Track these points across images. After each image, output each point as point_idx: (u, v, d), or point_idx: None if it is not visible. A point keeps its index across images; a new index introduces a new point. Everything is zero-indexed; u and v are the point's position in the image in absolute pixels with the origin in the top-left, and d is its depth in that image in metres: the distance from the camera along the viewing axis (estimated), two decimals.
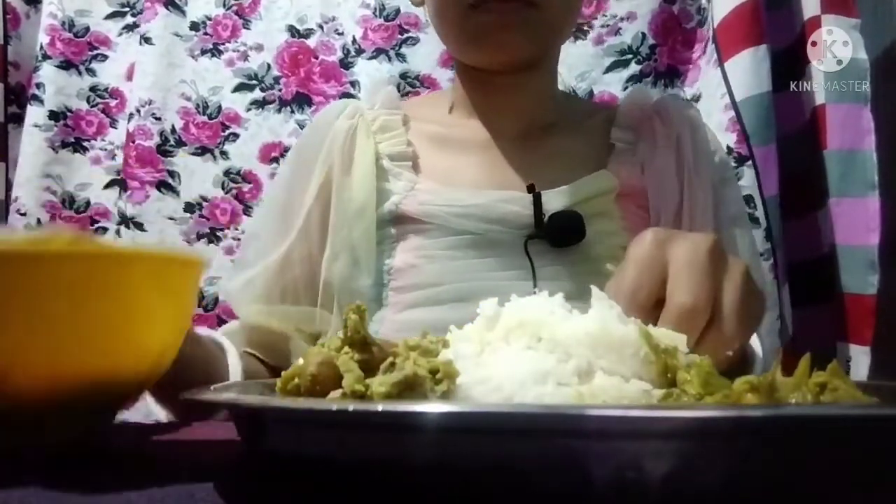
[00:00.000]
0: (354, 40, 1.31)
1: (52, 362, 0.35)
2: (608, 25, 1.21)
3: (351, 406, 0.26)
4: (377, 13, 1.31)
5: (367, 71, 1.30)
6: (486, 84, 0.83)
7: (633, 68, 1.19)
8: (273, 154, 1.30)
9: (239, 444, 0.48)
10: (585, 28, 1.22)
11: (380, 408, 0.26)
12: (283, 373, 0.34)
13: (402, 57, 1.30)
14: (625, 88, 1.18)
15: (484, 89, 0.84)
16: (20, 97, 1.35)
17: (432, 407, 0.25)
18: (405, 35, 1.31)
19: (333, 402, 0.31)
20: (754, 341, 0.55)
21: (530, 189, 0.76)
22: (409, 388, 0.30)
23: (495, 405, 0.29)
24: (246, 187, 1.30)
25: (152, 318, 0.38)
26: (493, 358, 0.33)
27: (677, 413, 0.24)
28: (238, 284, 0.84)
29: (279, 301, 0.82)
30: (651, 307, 0.46)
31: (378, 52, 1.30)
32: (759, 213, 1.01)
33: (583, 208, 0.76)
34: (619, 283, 0.47)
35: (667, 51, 1.19)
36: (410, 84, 1.28)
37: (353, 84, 1.30)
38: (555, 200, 0.76)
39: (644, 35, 1.19)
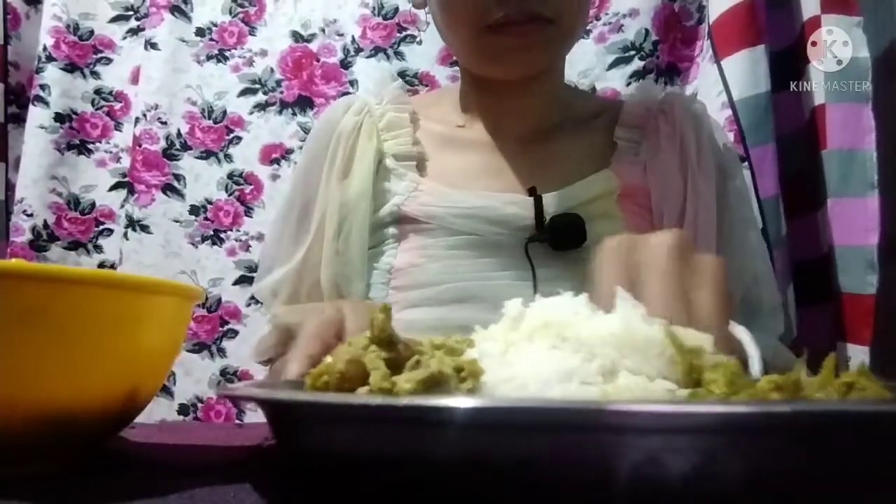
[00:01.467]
0: (353, 40, 1.32)
1: (9, 391, 0.33)
2: (610, 23, 1.21)
3: (376, 400, 0.27)
4: (376, 12, 1.32)
5: (366, 70, 1.30)
6: (494, 89, 0.82)
7: (636, 64, 1.19)
8: (274, 155, 1.31)
9: (240, 446, 0.48)
10: (588, 28, 1.22)
11: (403, 402, 0.27)
12: (311, 370, 0.35)
13: (400, 55, 1.30)
14: (628, 84, 1.18)
15: (492, 94, 0.84)
16: (20, 97, 1.35)
17: (455, 401, 0.25)
18: (403, 33, 1.31)
19: (357, 396, 0.31)
20: (746, 340, 0.54)
21: (531, 192, 0.76)
22: (435, 385, 0.31)
23: (519, 400, 0.29)
24: (248, 189, 1.31)
25: (115, 346, 0.36)
26: (518, 357, 0.33)
27: (704, 408, 0.24)
28: (265, 287, 0.85)
29: (306, 302, 0.83)
30: None
31: (377, 51, 1.31)
32: (756, 213, 1.01)
33: (584, 210, 0.76)
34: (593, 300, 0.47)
35: (667, 48, 1.20)
36: (409, 82, 1.28)
37: (352, 83, 1.31)
38: (556, 203, 0.76)
39: (647, 31, 1.19)
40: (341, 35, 1.32)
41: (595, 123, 0.85)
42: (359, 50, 1.31)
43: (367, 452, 0.28)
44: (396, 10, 1.31)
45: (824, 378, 0.31)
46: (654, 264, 0.46)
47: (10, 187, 1.32)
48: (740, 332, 0.51)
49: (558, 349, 0.32)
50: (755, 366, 0.50)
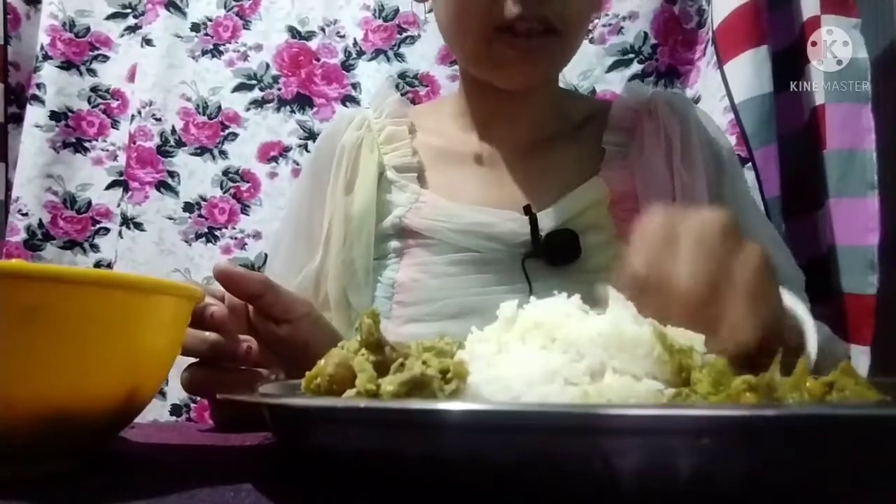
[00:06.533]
0: (356, 42, 1.32)
1: (9, 391, 0.32)
2: (610, 24, 1.21)
3: (350, 403, 0.28)
4: (376, 14, 1.32)
5: (368, 72, 1.30)
6: (493, 98, 0.83)
7: (636, 67, 1.19)
8: (272, 153, 1.31)
9: (240, 446, 0.48)
10: (589, 28, 1.22)
11: (362, 404, 0.29)
12: (307, 373, 0.36)
13: (400, 57, 1.30)
14: None
15: (491, 104, 0.84)
16: (20, 97, 1.35)
17: (413, 404, 0.27)
18: (403, 34, 1.31)
19: (337, 399, 0.32)
20: (804, 318, 0.51)
21: (526, 210, 0.77)
22: (418, 387, 0.31)
23: (460, 404, 0.29)
24: (244, 186, 1.30)
25: (115, 345, 0.35)
26: (507, 358, 0.33)
27: (643, 412, 0.25)
28: None
29: None
30: (658, 287, 0.44)
31: (377, 53, 1.31)
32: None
33: (576, 222, 0.77)
34: (627, 264, 0.46)
35: (667, 51, 1.20)
36: (409, 83, 1.29)
37: (355, 86, 1.31)
38: (550, 218, 0.77)
39: (646, 34, 1.19)
40: (342, 37, 1.32)
41: (586, 129, 0.85)
42: (361, 52, 1.31)
43: (356, 451, 0.29)
44: (397, 11, 1.31)
45: (797, 379, 0.31)
46: (694, 235, 0.45)
47: (10, 187, 1.32)
48: (799, 308, 0.50)
49: (547, 349, 0.32)
50: (811, 343, 0.49)
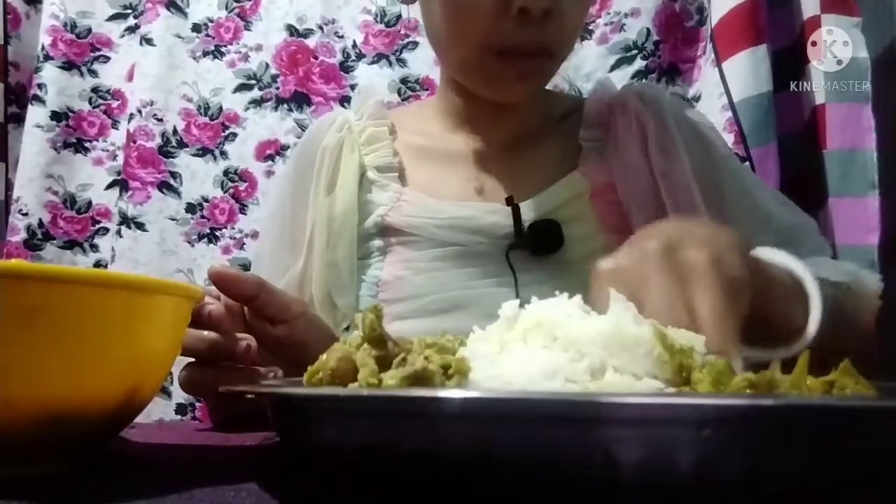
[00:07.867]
0: (355, 45, 1.32)
1: (9, 391, 0.32)
2: (612, 23, 1.21)
3: (352, 392, 0.28)
4: (378, 18, 1.32)
5: (368, 75, 1.31)
6: (478, 102, 0.83)
7: (639, 64, 1.18)
8: (269, 152, 1.31)
9: (240, 445, 0.48)
10: (590, 28, 1.22)
11: (364, 392, 0.29)
12: (308, 367, 0.36)
13: (402, 62, 1.31)
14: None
15: (475, 107, 0.85)
16: (20, 97, 1.35)
17: (417, 392, 0.27)
18: (406, 40, 1.31)
19: (318, 388, 0.33)
20: (808, 282, 0.51)
21: (509, 201, 0.77)
22: (419, 381, 0.31)
23: (463, 391, 0.29)
24: (242, 186, 1.30)
25: (114, 345, 0.35)
26: (508, 356, 0.33)
27: (649, 400, 0.25)
28: None
29: None
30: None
31: (379, 58, 1.31)
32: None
33: (559, 214, 0.78)
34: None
35: (669, 48, 1.19)
36: (411, 88, 1.29)
37: (354, 87, 1.31)
38: (532, 210, 0.78)
39: (649, 31, 1.18)
40: (341, 37, 1.33)
41: (565, 125, 0.86)
42: (361, 56, 1.32)
43: (357, 443, 0.29)
44: (398, 17, 1.32)
45: (797, 377, 0.31)
46: (646, 282, 0.45)
47: (10, 187, 1.32)
48: (803, 273, 0.51)
49: (548, 348, 0.32)
50: (815, 310, 0.49)
